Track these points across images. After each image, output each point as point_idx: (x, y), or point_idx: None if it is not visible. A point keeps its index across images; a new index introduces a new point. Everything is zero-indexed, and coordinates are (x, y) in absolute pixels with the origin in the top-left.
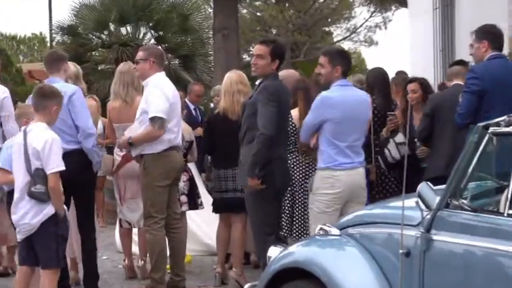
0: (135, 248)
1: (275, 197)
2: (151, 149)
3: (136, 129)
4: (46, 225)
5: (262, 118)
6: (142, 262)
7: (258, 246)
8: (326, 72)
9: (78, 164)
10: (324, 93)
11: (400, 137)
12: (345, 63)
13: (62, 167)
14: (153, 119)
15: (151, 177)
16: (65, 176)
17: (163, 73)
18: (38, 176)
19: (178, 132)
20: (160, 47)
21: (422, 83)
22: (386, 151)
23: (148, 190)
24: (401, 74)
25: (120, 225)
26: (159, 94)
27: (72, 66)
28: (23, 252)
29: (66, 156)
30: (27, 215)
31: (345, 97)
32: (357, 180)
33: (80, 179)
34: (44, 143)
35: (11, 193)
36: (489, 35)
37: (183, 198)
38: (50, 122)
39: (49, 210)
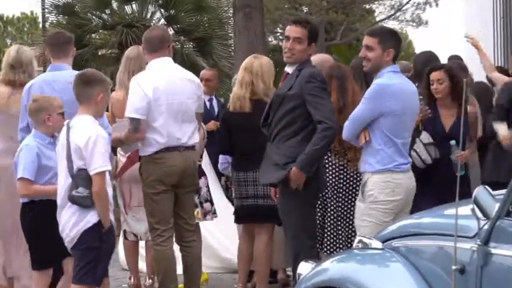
0: (142, 265)
1: (315, 201)
2: (142, 151)
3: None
4: (87, 236)
5: (323, 110)
6: (151, 281)
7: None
8: (375, 56)
9: None
10: (380, 81)
11: (425, 137)
12: (398, 45)
13: (108, 167)
14: (129, 120)
15: (145, 183)
16: None
17: (161, 60)
18: (80, 177)
19: (173, 132)
20: (167, 28)
21: (450, 71)
22: (413, 153)
23: (145, 198)
24: (455, 60)
25: (125, 238)
26: (135, 89)
27: (13, 52)
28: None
29: None
30: (68, 224)
31: (403, 85)
32: (413, 184)
33: None
34: (87, 139)
35: (26, 204)
36: None
37: (207, 206)
38: (97, 113)
39: (91, 218)
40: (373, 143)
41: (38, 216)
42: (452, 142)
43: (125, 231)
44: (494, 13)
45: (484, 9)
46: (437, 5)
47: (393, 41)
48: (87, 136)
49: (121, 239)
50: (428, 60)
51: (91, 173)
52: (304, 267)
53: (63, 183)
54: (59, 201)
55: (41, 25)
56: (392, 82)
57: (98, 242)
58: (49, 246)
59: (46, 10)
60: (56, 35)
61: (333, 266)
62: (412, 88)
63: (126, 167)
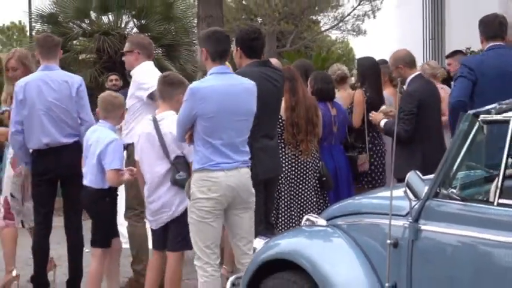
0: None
1: (257, 187)
2: (131, 138)
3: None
4: (186, 212)
5: None
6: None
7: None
8: (202, 60)
9: (74, 157)
10: (193, 84)
11: None
12: (214, 44)
13: None
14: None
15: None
16: (61, 169)
17: (146, 63)
18: (179, 163)
19: None
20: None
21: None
22: None
23: (133, 184)
24: (382, 64)
25: (23, 226)
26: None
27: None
28: (159, 238)
29: (64, 149)
30: (172, 202)
31: (218, 87)
32: (237, 181)
33: (75, 172)
34: None
35: (105, 190)
36: None
37: None
38: (176, 110)
39: None
40: (194, 144)
41: (113, 201)
42: None
43: (22, 221)
44: (424, 20)
45: (414, 18)
46: (374, 16)
47: (206, 40)
48: None
49: None
50: (373, 63)
51: (190, 160)
52: (259, 243)
53: (157, 168)
54: (152, 184)
55: (28, 33)
56: (205, 85)
57: None
58: (114, 226)
59: (32, 20)
60: (47, 38)
61: (283, 241)
62: (232, 89)
63: None
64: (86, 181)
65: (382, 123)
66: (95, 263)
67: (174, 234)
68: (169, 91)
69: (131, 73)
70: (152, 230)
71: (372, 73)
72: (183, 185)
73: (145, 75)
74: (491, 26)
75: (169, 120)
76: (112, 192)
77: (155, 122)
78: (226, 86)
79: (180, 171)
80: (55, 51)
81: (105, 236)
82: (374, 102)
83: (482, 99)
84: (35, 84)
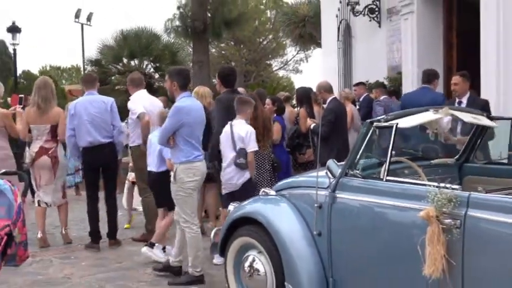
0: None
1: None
2: (133, 143)
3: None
4: (245, 185)
5: None
6: (67, 230)
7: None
8: (167, 86)
9: (111, 152)
10: (177, 103)
11: None
12: (180, 79)
13: (257, 148)
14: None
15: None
16: (101, 160)
17: (139, 92)
18: (241, 153)
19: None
20: (138, 73)
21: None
22: None
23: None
24: (304, 88)
25: (39, 205)
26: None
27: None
28: (227, 201)
29: (103, 147)
30: (234, 177)
31: (192, 105)
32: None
33: (112, 162)
34: (246, 132)
35: (164, 172)
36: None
37: None
38: (246, 118)
39: (247, 175)
40: (178, 144)
41: (167, 180)
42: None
43: (38, 201)
44: (338, 63)
45: (332, 62)
46: (307, 61)
47: (177, 75)
48: (246, 130)
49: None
50: (306, 91)
51: (248, 151)
52: (231, 207)
53: (229, 154)
54: (224, 165)
55: (82, 72)
56: (184, 104)
57: (251, 187)
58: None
59: (85, 63)
60: (88, 75)
61: (248, 205)
62: (198, 106)
63: (37, 158)
64: (150, 167)
65: (311, 126)
66: (160, 219)
67: (241, 199)
68: (241, 107)
69: (130, 98)
70: (221, 195)
71: (306, 97)
72: (241, 167)
73: (135, 103)
74: (426, 76)
75: (239, 126)
76: (166, 174)
77: (231, 126)
78: (194, 104)
79: (241, 157)
80: (94, 83)
81: (163, 200)
82: (311, 115)
83: None
84: (82, 104)
